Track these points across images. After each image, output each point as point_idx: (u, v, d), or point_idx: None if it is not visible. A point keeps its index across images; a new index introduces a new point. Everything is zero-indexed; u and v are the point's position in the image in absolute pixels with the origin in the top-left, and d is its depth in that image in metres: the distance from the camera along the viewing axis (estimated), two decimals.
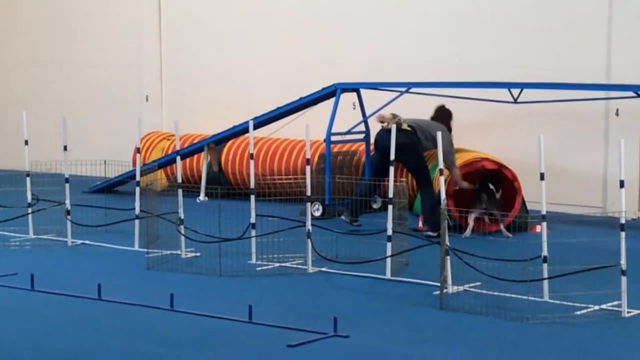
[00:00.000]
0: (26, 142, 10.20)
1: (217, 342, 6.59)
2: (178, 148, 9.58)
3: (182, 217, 9.19)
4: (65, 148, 9.94)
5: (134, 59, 16.06)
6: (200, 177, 13.42)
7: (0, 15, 17.64)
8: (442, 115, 11.10)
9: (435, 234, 9.90)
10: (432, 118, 11.12)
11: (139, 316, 7.25)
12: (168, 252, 9.22)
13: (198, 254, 9.33)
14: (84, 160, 11.52)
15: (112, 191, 13.85)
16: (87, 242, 10.08)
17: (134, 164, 11.36)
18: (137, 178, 9.83)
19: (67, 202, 9.98)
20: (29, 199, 10.24)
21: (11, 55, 17.46)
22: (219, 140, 13.42)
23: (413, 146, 10.61)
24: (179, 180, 9.39)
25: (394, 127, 9.26)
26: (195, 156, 13.73)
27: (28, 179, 10.21)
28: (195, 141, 13.77)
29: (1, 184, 11.54)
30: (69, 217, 10.02)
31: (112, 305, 7.50)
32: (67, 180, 9.95)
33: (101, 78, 16.42)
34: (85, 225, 10.30)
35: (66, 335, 6.78)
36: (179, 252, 9.29)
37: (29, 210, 10.27)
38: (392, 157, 8.77)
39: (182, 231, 9.22)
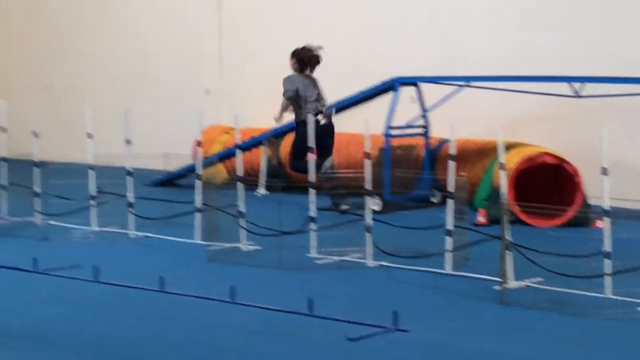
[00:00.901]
0: (89, 136, 10.33)
1: (277, 335, 6.63)
2: (238, 142, 9.64)
3: (243, 210, 9.25)
4: (128, 141, 10.04)
5: (194, 52, 16.19)
6: (259, 171, 13.49)
7: (62, 12, 17.89)
8: (314, 64, 11.89)
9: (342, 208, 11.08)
10: (303, 72, 11.84)
11: (200, 308, 7.32)
12: (228, 245, 9.29)
13: (259, 247, 9.39)
14: (145, 154, 11.64)
15: (173, 184, 13.99)
16: (149, 234, 10.18)
17: (194, 157, 11.44)
18: (198, 171, 9.91)
19: (130, 194, 10.10)
20: (93, 192, 10.36)
21: (73, 50, 17.70)
22: (279, 134, 13.47)
23: None
24: (240, 173, 9.45)
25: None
26: (255, 150, 13.80)
27: (92, 172, 10.33)
28: (254, 135, 13.84)
29: (63, 177, 11.69)
30: (131, 209, 10.13)
31: (173, 297, 7.59)
32: (129, 174, 10.07)
33: (161, 72, 16.56)
34: (148, 217, 10.41)
35: (127, 325, 6.87)
36: (239, 245, 9.35)
37: (93, 202, 10.40)
38: (454, 152, 8.74)
39: (243, 224, 9.28)
